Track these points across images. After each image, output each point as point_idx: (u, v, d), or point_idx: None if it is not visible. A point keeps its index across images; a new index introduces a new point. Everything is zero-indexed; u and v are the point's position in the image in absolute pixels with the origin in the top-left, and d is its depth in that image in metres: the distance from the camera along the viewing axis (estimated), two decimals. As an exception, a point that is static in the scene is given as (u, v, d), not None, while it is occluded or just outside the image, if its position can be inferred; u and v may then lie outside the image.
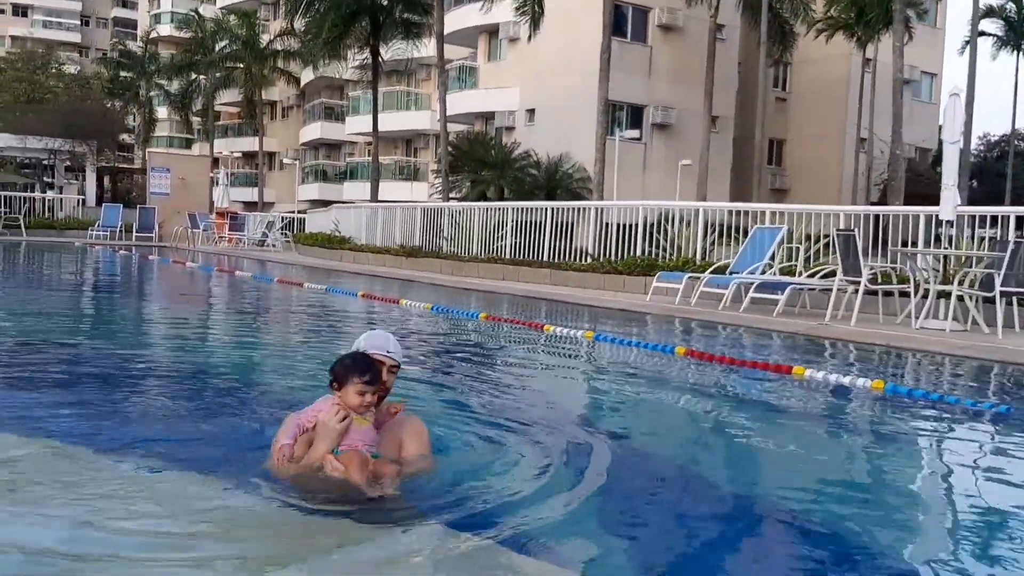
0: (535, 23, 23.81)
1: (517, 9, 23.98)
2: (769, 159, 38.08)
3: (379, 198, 29.86)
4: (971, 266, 9.72)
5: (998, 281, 8.95)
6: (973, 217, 11.73)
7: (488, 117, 34.22)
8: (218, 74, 45.11)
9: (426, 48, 29.65)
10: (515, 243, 16.86)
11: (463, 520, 2.70)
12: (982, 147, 52.03)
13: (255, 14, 46.35)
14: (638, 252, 14.84)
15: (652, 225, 15.20)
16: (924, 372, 7.20)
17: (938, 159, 34.10)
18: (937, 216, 10.27)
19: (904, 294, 10.21)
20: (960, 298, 9.38)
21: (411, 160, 43.68)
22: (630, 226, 15.37)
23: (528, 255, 16.49)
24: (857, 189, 33.95)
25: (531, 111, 32.04)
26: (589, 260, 15.43)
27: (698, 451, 4.25)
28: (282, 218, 30.15)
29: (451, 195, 26.30)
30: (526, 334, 8.87)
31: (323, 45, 27.29)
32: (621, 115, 31.02)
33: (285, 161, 49.15)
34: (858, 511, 3.28)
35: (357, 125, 41.97)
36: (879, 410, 5.34)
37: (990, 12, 41.35)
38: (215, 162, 46.55)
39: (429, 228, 19.71)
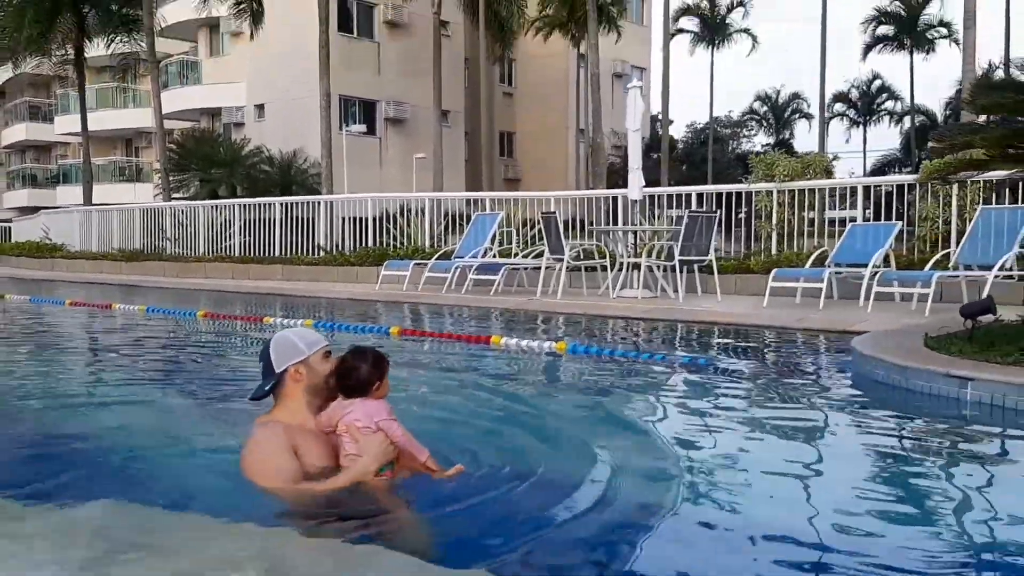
0: (256, 20, 23.34)
1: (235, 6, 23.32)
2: (501, 151, 39.72)
3: (101, 201, 27.90)
4: (657, 240, 10.94)
5: (677, 252, 10.16)
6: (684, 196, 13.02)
7: (215, 113, 32.99)
8: None
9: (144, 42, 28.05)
10: (245, 241, 16.57)
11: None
12: (690, 134, 57.10)
13: (-63, 3, 41.39)
14: (370, 244, 15.13)
15: (387, 217, 15.56)
16: (605, 332, 8.10)
17: (651, 146, 37.24)
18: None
19: (605, 268, 11.28)
20: (650, 268, 10.55)
21: (132, 160, 41.07)
22: (362, 219, 15.64)
23: (260, 252, 16.28)
24: (579, 177, 36.30)
25: (260, 107, 31.30)
26: (322, 254, 15.51)
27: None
28: (-17, 228, 27.36)
29: (179, 195, 25.17)
30: (244, 328, 8.89)
31: (25, 43, 24.93)
32: (354, 110, 31.11)
33: (-15, 166, 44.46)
34: (535, 444, 3.77)
35: (68, 125, 38.79)
36: (561, 366, 6.05)
37: (687, 10, 45.68)
38: (-102, 169, 41.19)
39: (151, 230, 18.84)
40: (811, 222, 11.64)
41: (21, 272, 19.47)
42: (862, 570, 2.32)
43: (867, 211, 11.10)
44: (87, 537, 2.57)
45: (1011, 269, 8.48)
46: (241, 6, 23.19)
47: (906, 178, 10.98)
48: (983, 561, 2.43)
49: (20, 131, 45.49)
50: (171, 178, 24.77)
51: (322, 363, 2.95)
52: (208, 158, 26.03)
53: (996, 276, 8.13)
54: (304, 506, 2.76)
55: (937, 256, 9.21)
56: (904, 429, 4.18)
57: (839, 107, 55.07)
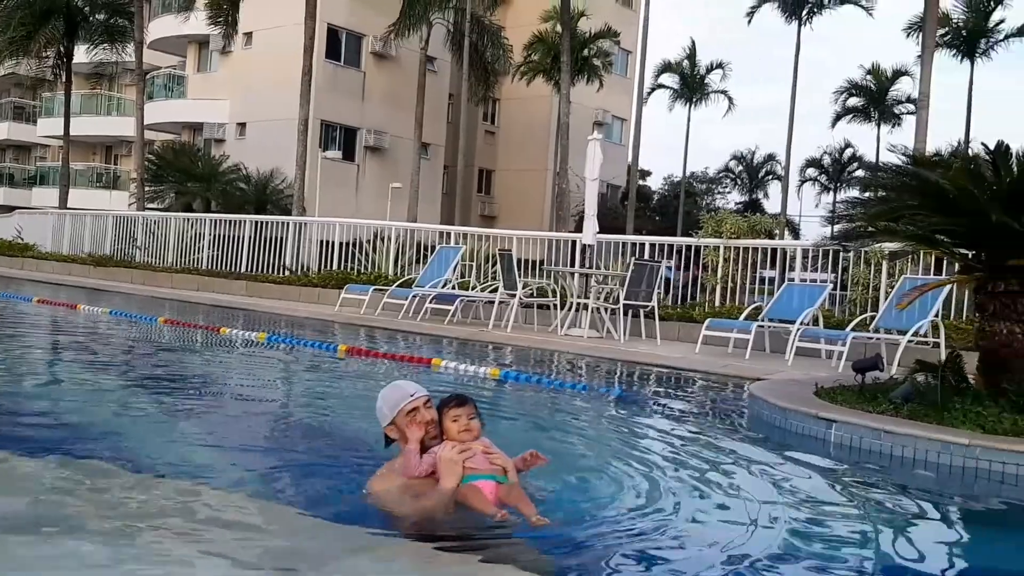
0: (228, 38, 24.00)
1: (210, 19, 23.89)
2: (480, 188, 40.44)
3: (75, 206, 28.15)
4: (608, 283, 11.49)
5: (621, 296, 10.72)
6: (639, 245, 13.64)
7: (197, 128, 33.43)
8: None
9: (130, 52, 28.53)
10: (213, 255, 16.96)
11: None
12: (667, 187, 58.17)
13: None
14: (336, 267, 15.57)
15: (357, 242, 16.01)
16: (541, 364, 8.61)
17: (626, 195, 38.08)
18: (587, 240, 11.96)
19: (557, 306, 11.80)
20: (597, 310, 11.09)
21: (111, 167, 41.31)
22: (329, 242, 16.11)
23: (227, 267, 16.67)
24: (554, 218, 36.99)
25: (242, 125, 31.77)
26: (287, 274, 15.92)
27: (342, 420, 5.09)
28: (-45, 223, 27.42)
29: (153, 205, 25.50)
30: (203, 336, 9.30)
31: (9, 43, 25.34)
32: (335, 135, 31.66)
33: (-38, 162, 44.39)
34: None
35: (51, 127, 38.99)
36: (495, 389, 6.55)
37: (668, 67, 46.90)
38: None
39: (122, 237, 19.19)
40: (768, 280, 12.36)
41: (-11, 269, 19.68)
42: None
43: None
44: (34, 484, 3.02)
45: (926, 335, 9.10)
46: (218, 19, 23.72)
47: (824, 244, 11.64)
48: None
49: (2, 130, 45.57)
50: (147, 188, 25.11)
51: (408, 420, 3.13)
52: (186, 171, 26.40)
53: (910, 341, 8.74)
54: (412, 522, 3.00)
55: (861, 317, 9.82)
56: (768, 457, 4.71)
57: (811, 172, 56.51)
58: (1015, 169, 5.00)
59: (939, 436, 4.36)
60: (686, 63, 46.80)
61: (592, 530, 3.05)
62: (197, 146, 31.34)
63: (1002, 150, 4.96)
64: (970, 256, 5.76)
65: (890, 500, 4.00)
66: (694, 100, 46.70)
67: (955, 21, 36.78)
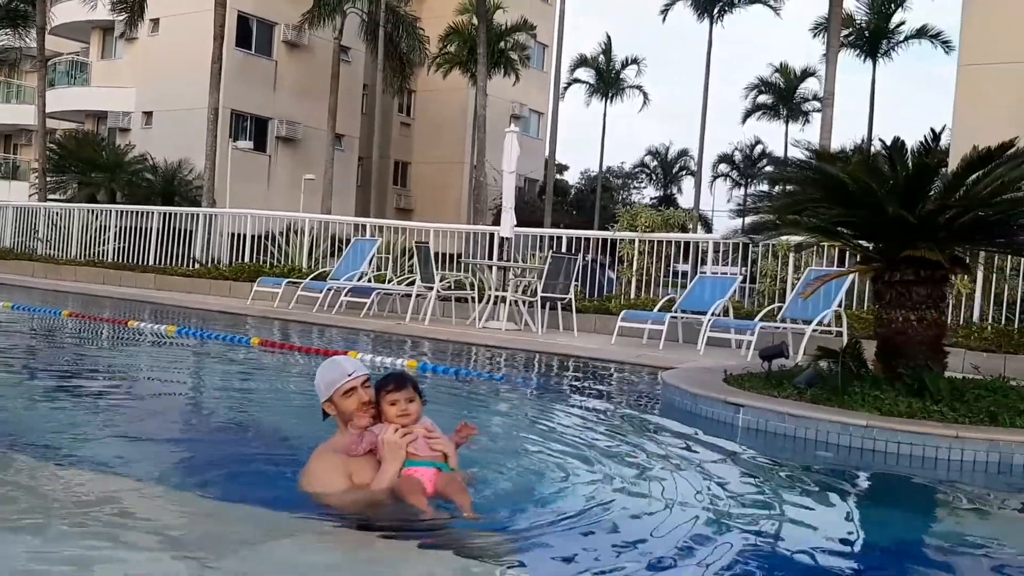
0: (132, 23, 23.30)
1: (115, 5, 23.12)
2: (396, 180, 40.13)
3: (-33, 196, 26.93)
4: (525, 276, 11.58)
5: (539, 289, 10.81)
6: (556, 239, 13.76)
7: (101, 116, 32.29)
8: None
9: (33, 38, 27.39)
10: (120, 247, 16.45)
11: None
12: (584, 182, 58.76)
13: None
14: (247, 259, 15.27)
15: (270, 235, 15.73)
16: (459, 356, 8.64)
17: (544, 188, 38.33)
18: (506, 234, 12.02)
19: (475, 299, 11.82)
20: (515, 303, 11.16)
21: (10, 157, 39.55)
22: (241, 235, 15.79)
23: (135, 260, 16.20)
24: (471, 211, 36.98)
25: (148, 114, 30.83)
26: (197, 267, 15.55)
27: (241, 408, 5.02)
28: None
29: (56, 196, 24.58)
30: (110, 329, 9.03)
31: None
32: (246, 125, 31.00)
33: None
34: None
35: (-57, 115, 37.14)
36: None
37: (584, 62, 47.41)
38: None
39: (23, 229, 18.46)
40: (682, 274, 12.64)
41: None
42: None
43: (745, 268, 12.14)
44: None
45: (829, 325, 9.46)
46: (123, 6, 22.98)
47: (733, 238, 12.01)
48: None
49: None
50: (49, 178, 24.17)
51: (344, 400, 3.05)
52: (89, 161, 25.52)
53: (815, 330, 9.07)
54: (354, 512, 2.91)
55: (769, 308, 10.14)
56: (680, 440, 4.85)
57: (723, 167, 57.92)
58: (910, 164, 5.25)
59: (840, 418, 4.57)
60: (602, 58, 47.39)
61: (518, 517, 3.09)
62: (101, 135, 30.32)
63: (898, 146, 5.20)
64: (869, 248, 6.01)
65: (794, 479, 4.18)
66: (610, 95, 47.34)
67: (859, 22, 38.18)
